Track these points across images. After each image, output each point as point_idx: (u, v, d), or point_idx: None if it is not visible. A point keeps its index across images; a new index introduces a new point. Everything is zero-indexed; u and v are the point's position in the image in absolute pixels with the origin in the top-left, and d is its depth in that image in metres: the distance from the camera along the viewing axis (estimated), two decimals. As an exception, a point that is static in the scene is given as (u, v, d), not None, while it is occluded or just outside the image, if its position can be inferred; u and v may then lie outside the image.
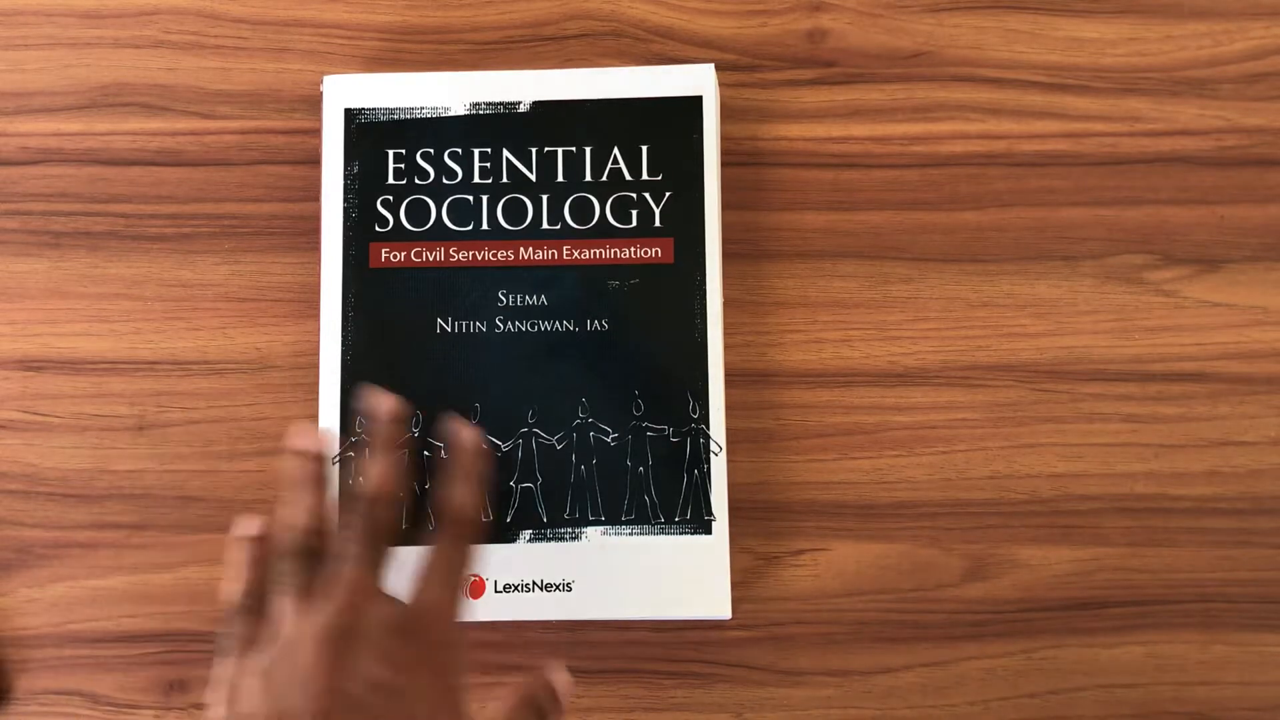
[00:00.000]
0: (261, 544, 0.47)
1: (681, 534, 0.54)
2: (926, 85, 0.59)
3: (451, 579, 0.48)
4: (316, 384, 0.56)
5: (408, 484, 0.50)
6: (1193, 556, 0.56)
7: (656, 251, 0.56)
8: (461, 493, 0.49)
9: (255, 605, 0.46)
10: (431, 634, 0.45)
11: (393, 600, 0.46)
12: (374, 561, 0.47)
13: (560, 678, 0.48)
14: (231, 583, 0.46)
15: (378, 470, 0.48)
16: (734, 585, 0.55)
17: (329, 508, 0.48)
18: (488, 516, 0.50)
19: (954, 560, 0.56)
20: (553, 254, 0.56)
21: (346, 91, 0.58)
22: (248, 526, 0.47)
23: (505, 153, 0.57)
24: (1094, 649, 0.55)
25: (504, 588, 0.54)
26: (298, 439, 0.49)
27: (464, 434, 0.51)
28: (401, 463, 0.50)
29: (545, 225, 0.57)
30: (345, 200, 0.57)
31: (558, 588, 0.54)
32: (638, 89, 0.57)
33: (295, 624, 0.44)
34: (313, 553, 0.46)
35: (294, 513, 0.47)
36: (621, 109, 0.57)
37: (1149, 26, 0.59)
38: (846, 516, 0.56)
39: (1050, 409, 0.57)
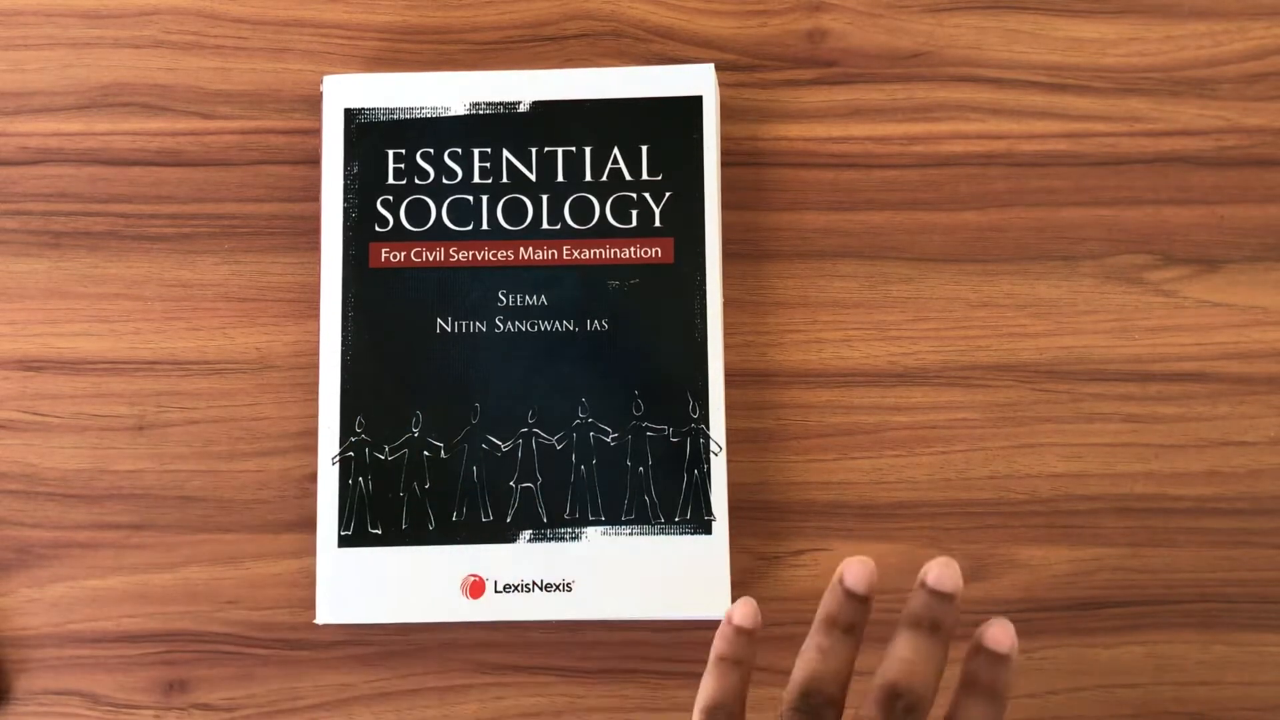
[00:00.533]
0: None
1: (681, 534, 0.54)
2: (926, 85, 0.59)
3: None
4: (316, 384, 0.56)
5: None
6: (1193, 556, 0.56)
7: (656, 251, 0.56)
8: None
9: None
10: None
11: None
12: None
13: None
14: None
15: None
16: (734, 585, 0.55)
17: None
18: None
19: (954, 560, 0.56)
20: (553, 254, 0.56)
21: (346, 91, 0.58)
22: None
23: (505, 153, 0.57)
24: (1094, 649, 0.55)
25: (504, 588, 0.54)
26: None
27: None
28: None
29: (545, 225, 0.57)
30: (345, 200, 0.57)
31: (558, 588, 0.54)
32: (638, 89, 0.57)
33: None
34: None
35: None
36: (621, 109, 0.57)
37: (1149, 26, 0.59)
38: (846, 516, 0.56)
39: (1050, 409, 0.57)
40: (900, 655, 0.42)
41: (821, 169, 0.59)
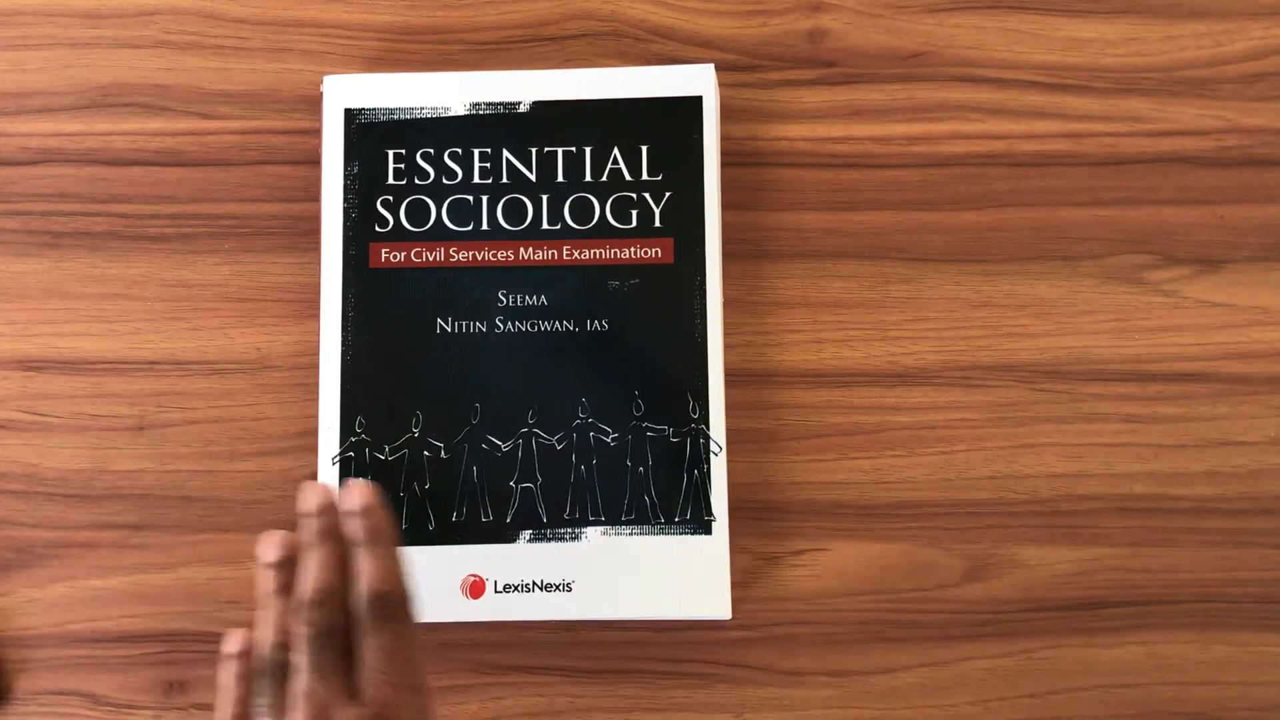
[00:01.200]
0: (244, 661, 0.46)
1: (681, 534, 0.54)
2: (926, 85, 0.59)
3: (397, 669, 0.45)
4: (316, 384, 0.56)
5: (347, 576, 0.46)
6: (1193, 556, 0.56)
7: (656, 251, 0.56)
8: (373, 568, 0.46)
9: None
10: None
11: (356, 706, 0.44)
12: (327, 668, 0.44)
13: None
14: (223, 706, 0.46)
15: (312, 570, 0.46)
16: (734, 585, 0.55)
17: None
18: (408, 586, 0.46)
19: (954, 560, 0.56)
20: (553, 254, 0.56)
21: (346, 91, 0.58)
22: (229, 643, 0.46)
23: (505, 153, 0.57)
24: (1094, 649, 0.55)
25: (504, 588, 0.54)
26: (271, 548, 0.47)
27: (356, 493, 0.47)
28: (337, 555, 0.46)
29: (545, 225, 0.57)
30: (345, 200, 0.57)
31: (558, 588, 0.54)
32: (638, 89, 0.57)
33: None
34: (286, 667, 0.45)
35: (261, 629, 0.46)
36: (621, 109, 0.57)
37: (1149, 26, 0.59)
38: (846, 516, 0.56)
39: (1050, 409, 0.57)
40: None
41: (821, 169, 0.59)
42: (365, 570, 0.46)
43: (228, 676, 0.46)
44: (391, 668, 0.45)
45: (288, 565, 0.47)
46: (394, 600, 0.46)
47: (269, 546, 0.47)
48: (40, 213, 0.59)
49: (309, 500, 0.47)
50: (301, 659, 0.44)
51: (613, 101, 0.57)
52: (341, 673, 0.45)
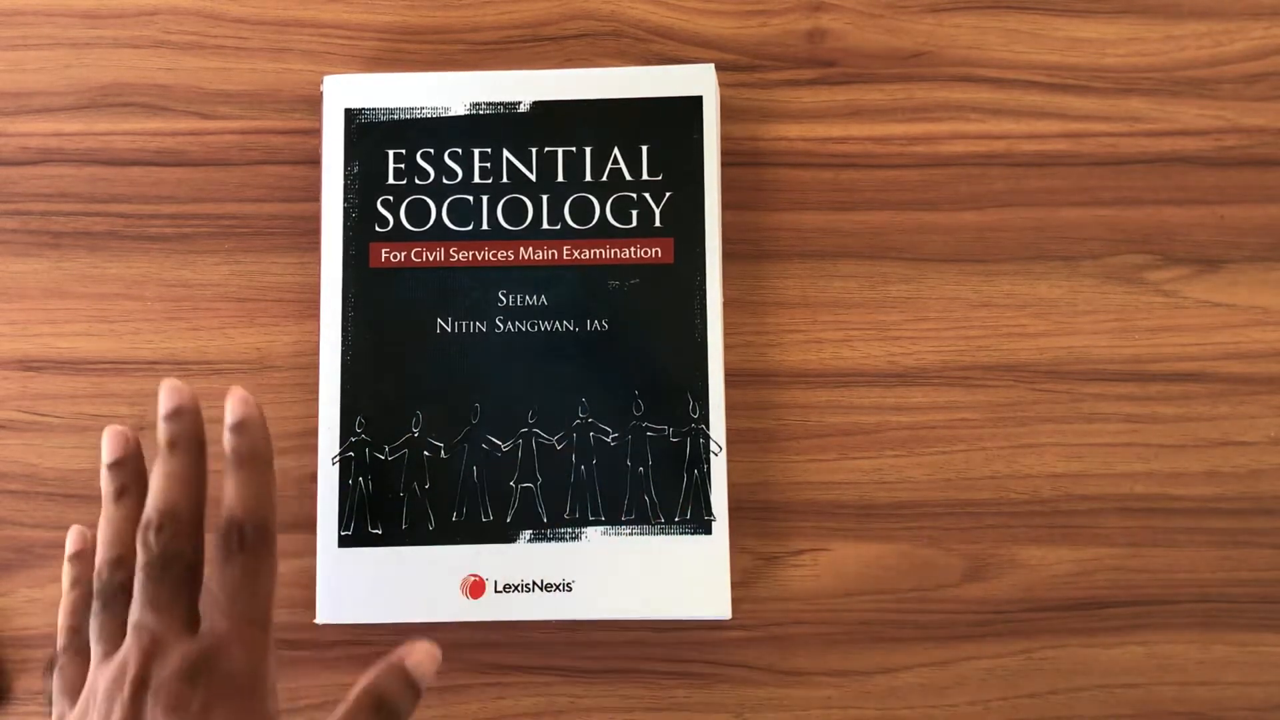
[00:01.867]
0: (80, 563, 0.44)
1: (681, 534, 0.54)
2: (926, 85, 0.59)
3: (241, 603, 0.42)
4: (316, 384, 0.56)
5: (201, 494, 0.43)
6: (1193, 556, 0.56)
7: (656, 251, 0.56)
8: (237, 493, 0.43)
9: (80, 645, 0.43)
10: (225, 669, 0.41)
11: (189, 639, 0.42)
12: (165, 598, 0.42)
13: (417, 653, 0.43)
14: (60, 616, 0.44)
15: (157, 486, 0.43)
16: (734, 585, 0.55)
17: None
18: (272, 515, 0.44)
19: (954, 560, 0.56)
20: (553, 254, 0.56)
21: (346, 91, 0.58)
22: (70, 542, 0.44)
23: (505, 153, 0.57)
24: (1094, 649, 0.55)
25: (504, 588, 0.54)
26: (108, 446, 0.44)
27: (234, 404, 0.44)
28: (193, 469, 0.43)
29: (545, 225, 0.57)
30: (345, 200, 0.57)
31: (558, 588, 0.54)
32: (638, 89, 0.57)
33: (95, 676, 0.42)
34: (126, 590, 0.43)
35: (102, 544, 0.43)
36: (621, 109, 0.57)
37: (1149, 26, 0.59)
38: (846, 516, 0.56)
39: (1050, 409, 0.57)
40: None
41: (821, 169, 0.59)
42: (228, 493, 0.43)
43: (65, 580, 0.44)
44: (234, 601, 0.42)
45: (129, 466, 0.44)
46: (251, 531, 0.43)
47: (110, 443, 0.43)
48: (40, 213, 0.59)
49: (167, 400, 0.43)
50: (137, 585, 0.42)
51: (613, 101, 0.57)
52: (182, 603, 0.42)
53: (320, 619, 0.54)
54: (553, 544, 0.54)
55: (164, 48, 0.60)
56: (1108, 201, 0.58)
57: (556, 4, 0.60)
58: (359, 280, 0.56)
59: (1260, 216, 0.58)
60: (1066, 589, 0.56)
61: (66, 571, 0.44)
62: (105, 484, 0.44)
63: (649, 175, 0.57)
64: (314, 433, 0.55)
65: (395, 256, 0.56)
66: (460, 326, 0.56)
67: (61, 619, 0.44)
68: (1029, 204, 0.58)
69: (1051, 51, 0.59)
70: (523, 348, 0.56)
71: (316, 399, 0.56)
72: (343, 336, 0.56)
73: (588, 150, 0.57)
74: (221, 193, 0.59)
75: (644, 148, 0.57)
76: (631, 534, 0.54)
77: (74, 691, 0.43)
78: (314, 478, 0.55)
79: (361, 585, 0.54)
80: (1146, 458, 0.57)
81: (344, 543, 0.54)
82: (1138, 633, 0.56)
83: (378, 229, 0.57)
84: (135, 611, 0.42)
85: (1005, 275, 0.58)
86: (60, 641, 0.44)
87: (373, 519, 0.55)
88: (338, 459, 0.55)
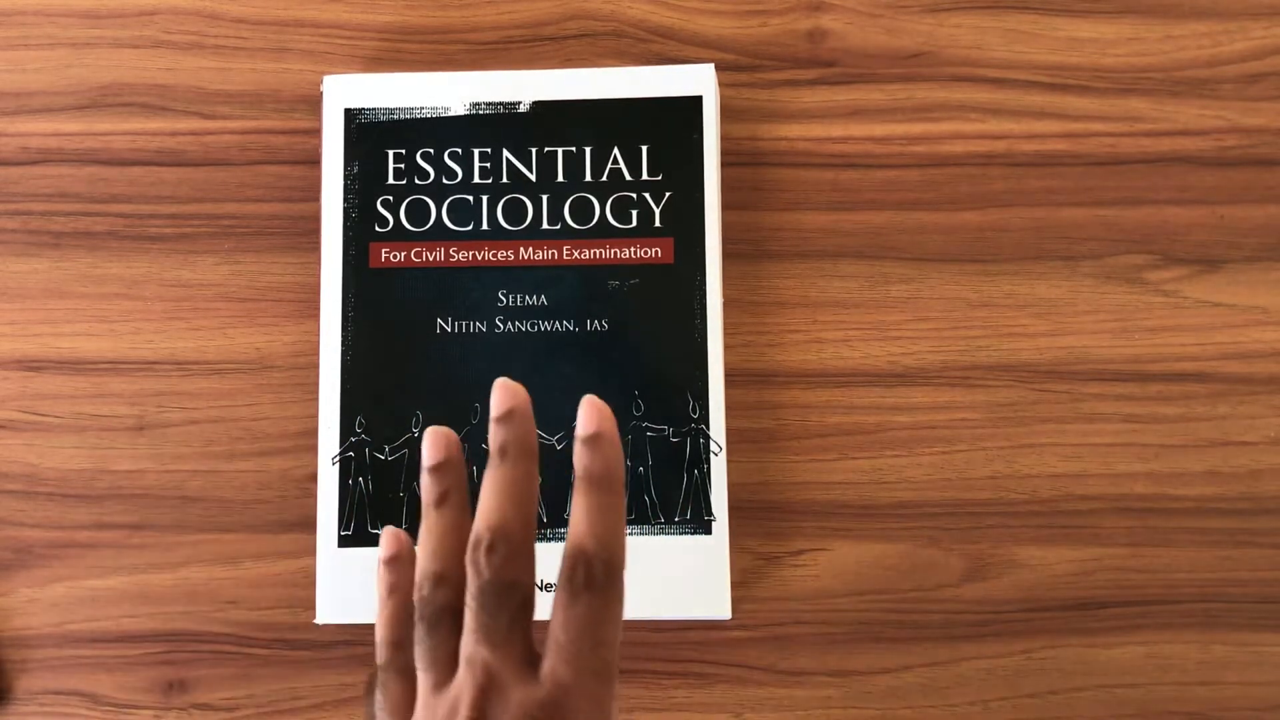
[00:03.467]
0: (396, 568, 0.40)
1: (681, 534, 0.54)
2: (926, 85, 0.59)
3: (585, 649, 0.37)
4: (316, 384, 0.56)
5: (533, 511, 0.38)
6: (1193, 556, 0.56)
7: (656, 251, 0.56)
8: (587, 519, 0.37)
9: (402, 664, 0.40)
10: None
11: (529, 684, 0.37)
12: (505, 631, 0.37)
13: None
14: (378, 628, 0.40)
15: (491, 496, 0.37)
16: (734, 585, 0.55)
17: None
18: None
19: (954, 560, 0.56)
20: (553, 254, 0.56)
21: (346, 91, 0.58)
22: (385, 545, 0.39)
23: (505, 153, 0.57)
24: (1094, 649, 0.55)
25: (504, 588, 0.54)
26: (429, 449, 0.39)
27: (593, 413, 0.38)
28: (525, 481, 0.38)
29: (545, 225, 0.57)
30: (345, 200, 0.57)
31: (558, 588, 0.54)
32: (638, 89, 0.57)
33: (427, 708, 0.38)
34: (453, 612, 0.38)
35: (424, 557, 0.38)
36: (621, 109, 0.57)
37: (1149, 26, 0.59)
38: (846, 516, 0.56)
39: (1050, 409, 0.57)
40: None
41: (821, 169, 0.59)
42: (576, 519, 0.37)
43: (381, 589, 0.40)
44: (579, 649, 0.37)
45: (453, 470, 0.39)
46: (601, 568, 0.37)
47: (431, 445, 0.39)
48: (40, 213, 0.59)
49: (501, 401, 0.38)
50: (469, 614, 0.37)
51: (613, 101, 0.57)
52: (518, 638, 0.37)
53: (320, 619, 0.54)
54: (553, 544, 0.54)
55: (164, 48, 0.60)
56: (1108, 201, 0.58)
57: (556, 4, 0.60)
58: (359, 280, 0.56)
59: (1260, 216, 0.58)
60: (1066, 589, 0.56)
61: (382, 576, 0.40)
62: (426, 489, 0.39)
63: (649, 175, 0.57)
64: (314, 433, 0.56)
65: (395, 256, 0.56)
66: (460, 326, 0.56)
67: (381, 631, 0.40)
68: (1029, 204, 0.58)
69: (1051, 51, 0.59)
70: (523, 348, 0.56)
71: (316, 399, 0.56)
72: (343, 336, 0.56)
73: (588, 150, 0.57)
74: (221, 193, 0.59)
75: (644, 148, 0.57)
76: (631, 534, 0.54)
77: (400, 713, 0.39)
78: (314, 478, 0.55)
79: (361, 585, 0.54)
80: (1146, 458, 0.56)
81: (344, 543, 0.54)
82: (1138, 633, 0.56)
83: (378, 229, 0.57)
84: (469, 644, 0.37)
85: (1005, 275, 0.58)
86: (381, 657, 0.40)
87: (373, 519, 0.55)
88: (338, 459, 0.55)
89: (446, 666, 0.38)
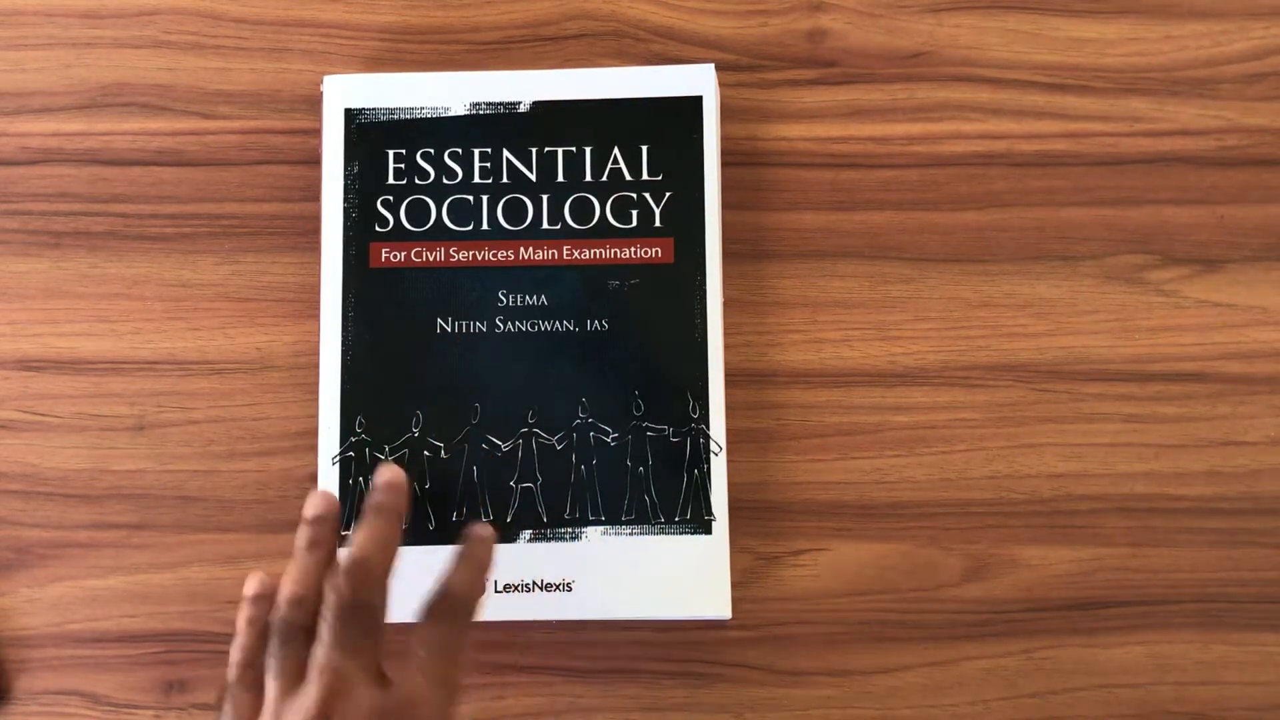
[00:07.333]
0: (258, 604, 0.44)
1: (681, 534, 0.54)
2: (926, 85, 0.59)
3: (441, 667, 0.44)
4: (316, 384, 0.56)
5: (392, 558, 0.47)
6: (1193, 556, 0.56)
7: (656, 251, 0.56)
8: (463, 577, 0.47)
9: (252, 680, 0.44)
10: None
11: (377, 688, 0.43)
12: (356, 643, 0.43)
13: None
14: (233, 651, 0.45)
15: (359, 542, 0.45)
16: (734, 585, 0.55)
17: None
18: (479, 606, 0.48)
19: (954, 560, 0.56)
20: (553, 254, 0.56)
21: (346, 91, 0.58)
22: (249, 584, 0.45)
23: (505, 153, 0.57)
24: (1094, 649, 0.55)
25: (504, 588, 0.54)
26: (311, 504, 0.47)
27: (478, 529, 0.49)
28: (389, 534, 0.46)
29: (545, 225, 0.57)
30: (345, 200, 0.57)
31: (558, 588, 0.54)
32: (638, 89, 0.57)
33: (275, 711, 0.42)
34: (306, 630, 0.43)
35: (287, 583, 0.44)
36: (621, 109, 0.57)
37: (1149, 26, 0.59)
38: (846, 516, 0.56)
39: (1050, 409, 0.57)
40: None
41: (821, 169, 0.59)
42: (451, 568, 0.46)
43: (241, 620, 0.44)
44: (433, 661, 0.44)
45: (327, 524, 0.46)
46: (461, 606, 0.46)
47: (313, 501, 0.46)
48: (40, 213, 0.59)
49: (384, 475, 0.47)
50: (329, 629, 0.42)
51: (613, 101, 0.57)
52: (369, 649, 0.43)
53: (320, 619, 0.54)
54: (553, 544, 0.54)
55: (164, 48, 0.60)
56: (1108, 201, 0.58)
57: (556, 4, 0.60)
58: (359, 280, 0.56)
59: (1260, 216, 0.58)
60: (1066, 589, 0.56)
61: (243, 610, 0.44)
62: (301, 535, 0.46)
63: (649, 175, 0.57)
64: (314, 433, 0.56)
65: (395, 256, 0.56)
66: (460, 326, 0.56)
67: (234, 654, 0.44)
68: (1029, 204, 0.58)
69: (1051, 51, 0.59)
70: (523, 348, 0.56)
71: (316, 399, 0.56)
72: (343, 336, 0.56)
73: (588, 150, 0.57)
74: (221, 193, 0.59)
75: (644, 148, 0.57)
76: (631, 534, 0.54)
77: None
78: (314, 478, 0.55)
79: (361, 585, 0.54)
80: (1146, 458, 0.56)
81: (344, 543, 0.54)
82: (1138, 633, 0.56)
83: (378, 229, 0.57)
84: (322, 652, 0.42)
85: (1005, 275, 0.58)
86: (231, 675, 0.44)
87: (373, 519, 0.55)
88: (338, 459, 0.55)
89: (296, 676, 0.42)
